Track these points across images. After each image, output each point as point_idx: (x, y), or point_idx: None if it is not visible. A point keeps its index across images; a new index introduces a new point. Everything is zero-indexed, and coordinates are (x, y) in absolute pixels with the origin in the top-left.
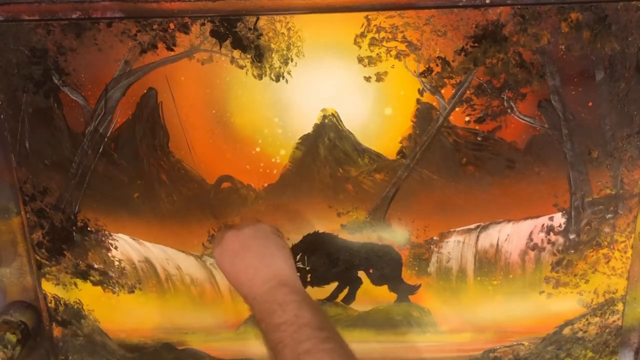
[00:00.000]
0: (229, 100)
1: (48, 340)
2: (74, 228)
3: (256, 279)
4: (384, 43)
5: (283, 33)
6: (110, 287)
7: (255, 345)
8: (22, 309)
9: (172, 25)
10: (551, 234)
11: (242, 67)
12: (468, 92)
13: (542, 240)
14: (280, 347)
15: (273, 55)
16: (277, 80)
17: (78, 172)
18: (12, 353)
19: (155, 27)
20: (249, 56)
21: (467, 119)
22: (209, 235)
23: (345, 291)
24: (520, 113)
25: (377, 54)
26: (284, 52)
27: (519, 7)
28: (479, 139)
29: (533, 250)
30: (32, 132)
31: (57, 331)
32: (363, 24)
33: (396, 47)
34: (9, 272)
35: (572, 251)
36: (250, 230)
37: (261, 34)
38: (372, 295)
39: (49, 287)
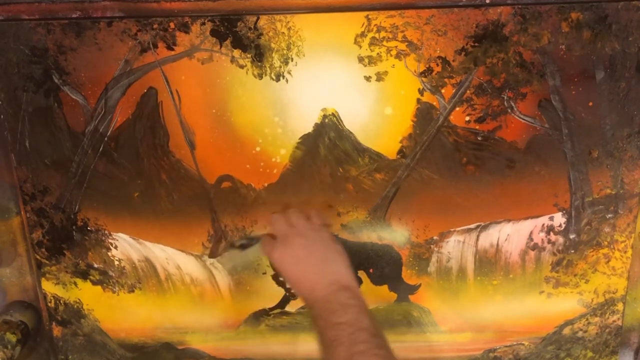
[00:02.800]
0: (229, 99)
1: (48, 339)
2: (74, 227)
3: (320, 283)
4: (385, 43)
5: (283, 32)
6: (110, 287)
7: (255, 345)
8: (22, 309)
9: (172, 25)
10: (551, 233)
11: (242, 67)
12: (468, 91)
13: (542, 240)
14: (335, 344)
15: (273, 54)
16: (278, 79)
17: (78, 171)
18: (12, 353)
19: (155, 26)
20: (249, 56)
21: (467, 118)
22: (208, 234)
23: None
24: (521, 113)
25: (378, 53)
26: (284, 52)
27: (520, 6)
28: (479, 138)
29: (533, 250)
30: (32, 132)
31: (57, 330)
32: (363, 24)
33: (396, 46)
34: (9, 272)
35: (572, 251)
36: (312, 236)
37: (261, 34)
38: (372, 295)
39: (48, 287)
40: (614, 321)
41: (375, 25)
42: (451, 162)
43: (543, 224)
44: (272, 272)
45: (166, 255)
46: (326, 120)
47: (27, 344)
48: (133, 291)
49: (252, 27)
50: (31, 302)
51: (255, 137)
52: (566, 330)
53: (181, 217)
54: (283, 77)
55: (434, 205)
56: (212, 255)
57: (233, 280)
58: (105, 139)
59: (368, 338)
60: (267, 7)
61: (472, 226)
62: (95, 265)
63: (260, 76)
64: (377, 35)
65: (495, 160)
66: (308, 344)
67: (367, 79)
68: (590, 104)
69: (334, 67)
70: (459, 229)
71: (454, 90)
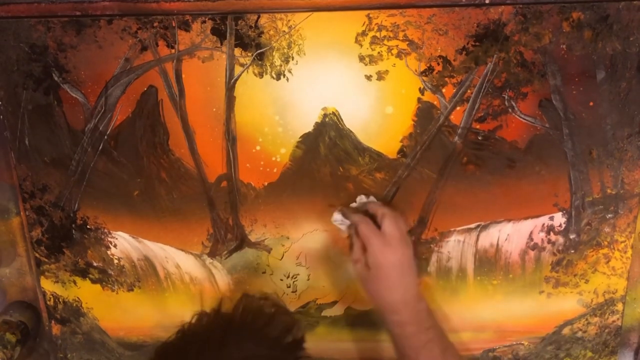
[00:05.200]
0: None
1: (47, 338)
2: (74, 226)
3: (408, 294)
4: (385, 42)
5: (284, 31)
6: (109, 285)
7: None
8: (21, 309)
9: (173, 23)
10: (551, 233)
11: (243, 65)
12: (469, 91)
13: (542, 240)
14: (430, 345)
15: (274, 53)
16: (278, 78)
17: (78, 169)
18: (12, 353)
19: (155, 24)
20: (249, 54)
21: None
22: (208, 234)
23: None
24: (521, 112)
25: (378, 52)
26: (285, 50)
27: (521, 6)
28: (479, 138)
29: (533, 250)
30: (31, 129)
31: (56, 329)
32: (364, 23)
33: (397, 45)
34: (8, 272)
35: (572, 251)
36: (406, 253)
37: (262, 32)
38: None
39: (48, 285)
40: (613, 321)
41: (376, 24)
42: (451, 161)
43: (543, 224)
44: (271, 272)
45: (165, 254)
46: (327, 119)
47: (26, 344)
48: (132, 290)
49: (253, 25)
50: (31, 302)
51: (256, 136)
52: (566, 330)
53: (181, 216)
54: (284, 75)
55: (434, 204)
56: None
57: (232, 279)
58: (105, 137)
59: (446, 335)
60: (268, 7)
61: (472, 226)
62: (95, 264)
63: (261, 75)
64: (378, 34)
65: (496, 160)
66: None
67: (368, 77)
68: (591, 103)
69: (335, 65)
70: (459, 228)
71: (454, 90)
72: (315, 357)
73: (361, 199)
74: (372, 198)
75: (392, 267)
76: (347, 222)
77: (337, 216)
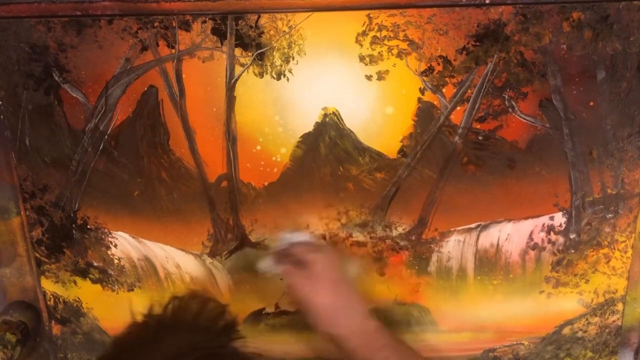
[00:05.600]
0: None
1: (47, 338)
2: (74, 226)
3: (355, 315)
4: (386, 41)
5: (284, 31)
6: (109, 285)
7: (254, 344)
8: (22, 309)
9: (173, 23)
10: (551, 233)
11: (243, 65)
12: (469, 91)
13: (542, 239)
14: None
15: (274, 53)
16: (278, 78)
17: (78, 169)
18: (12, 353)
19: (156, 24)
20: (250, 54)
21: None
22: (208, 234)
23: None
24: (522, 112)
25: (379, 52)
26: (285, 50)
27: (521, 6)
28: (480, 138)
29: (533, 249)
30: (32, 129)
31: (56, 329)
32: (364, 23)
33: (397, 45)
34: (8, 272)
35: (573, 251)
36: (340, 286)
37: (262, 32)
38: (371, 294)
39: (48, 285)
40: (613, 321)
41: (376, 24)
42: (452, 161)
43: (543, 224)
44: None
45: (166, 254)
46: (327, 119)
47: (26, 344)
48: (132, 290)
49: (253, 25)
50: (31, 302)
51: (256, 136)
52: (566, 330)
53: (181, 216)
54: (284, 75)
55: (434, 204)
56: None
57: (232, 279)
58: (106, 137)
59: (404, 347)
60: (268, 7)
61: (472, 226)
62: (95, 264)
63: (261, 75)
64: (378, 34)
65: (496, 160)
66: (308, 343)
67: (368, 77)
68: (591, 103)
69: (335, 65)
70: (459, 228)
71: (455, 90)
72: (315, 357)
73: (285, 238)
74: (296, 237)
75: (332, 310)
76: (275, 269)
77: (265, 263)
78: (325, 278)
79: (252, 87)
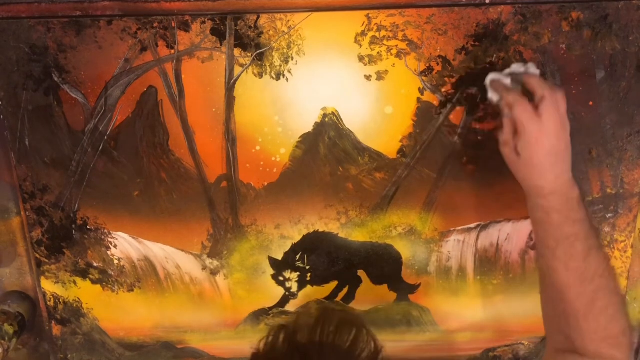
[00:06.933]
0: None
1: (47, 338)
2: (74, 226)
3: (563, 176)
4: (385, 42)
5: (284, 31)
6: (109, 286)
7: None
8: (19, 300)
9: (172, 24)
10: None
11: (242, 66)
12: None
13: None
14: (572, 240)
15: (274, 53)
16: (278, 78)
17: (78, 170)
18: (9, 345)
19: (155, 25)
20: (249, 54)
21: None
22: (208, 234)
23: (345, 290)
24: None
25: (378, 52)
26: (285, 51)
27: (520, 5)
28: (479, 137)
29: (533, 249)
30: (32, 130)
31: (56, 329)
32: (364, 23)
33: (397, 45)
34: (8, 272)
35: None
36: (565, 135)
37: (262, 33)
38: (371, 294)
39: (48, 286)
40: None
41: (375, 24)
42: (451, 161)
43: None
44: (271, 272)
45: (166, 255)
46: (326, 119)
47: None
48: (132, 290)
49: (253, 25)
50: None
51: (255, 136)
52: None
53: (181, 216)
54: (283, 76)
55: (434, 204)
56: None
57: (232, 279)
58: (105, 137)
59: (597, 235)
60: (267, 7)
61: (472, 225)
62: (95, 264)
63: (261, 75)
64: (377, 34)
65: (496, 160)
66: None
67: (368, 78)
68: (591, 103)
69: (335, 66)
70: (459, 228)
71: (454, 90)
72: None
73: (518, 67)
74: (530, 68)
75: (546, 155)
76: (498, 97)
77: (490, 82)
78: (554, 118)
79: (251, 88)
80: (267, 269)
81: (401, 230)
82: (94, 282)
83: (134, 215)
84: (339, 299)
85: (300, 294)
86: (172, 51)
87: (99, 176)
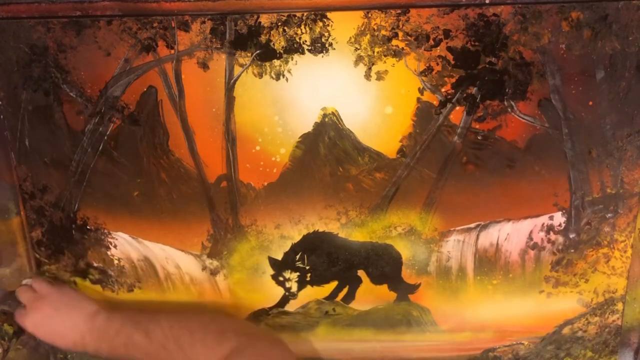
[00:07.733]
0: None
1: None
2: (74, 226)
3: (86, 326)
4: (385, 41)
5: (283, 31)
6: (109, 286)
7: None
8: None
9: (172, 24)
10: (551, 233)
11: (242, 66)
12: (468, 90)
13: (542, 239)
14: (133, 337)
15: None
16: (278, 78)
17: (78, 170)
18: (9, 345)
19: (155, 25)
20: (249, 54)
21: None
22: (208, 234)
23: (345, 290)
24: (521, 112)
25: (378, 52)
26: (284, 51)
27: (520, 6)
28: (479, 138)
29: (533, 249)
30: (32, 130)
31: None
32: (364, 23)
33: (397, 45)
34: (9, 272)
35: (572, 250)
36: (53, 292)
37: (261, 32)
38: (371, 294)
39: None
40: (613, 321)
41: (375, 24)
42: (451, 161)
43: (543, 224)
44: (271, 272)
45: (165, 255)
46: (326, 120)
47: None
48: (132, 290)
49: (252, 25)
50: None
51: (255, 136)
52: (566, 330)
53: (180, 216)
54: (283, 76)
55: (434, 204)
56: None
57: (232, 279)
58: (105, 137)
59: (167, 317)
60: (267, 7)
61: (471, 225)
62: (95, 264)
63: (261, 75)
64: (377, 34)
65: (495, 160)
66: (308, 343)
67: (367, 77)
68: (591, 103)
69: (334, 66)
70: (459, 228)
71: (454, 90)
72: (315, 357)
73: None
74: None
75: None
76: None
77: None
78: (36, 297)
79: (251, 88)
80: (267, 269)
81: (401, 230)
82: (93, 282)
83: (133, 215)
84: (338, 299)
85: (300, 294)
86: (172, 51)
87: (98, 176)
